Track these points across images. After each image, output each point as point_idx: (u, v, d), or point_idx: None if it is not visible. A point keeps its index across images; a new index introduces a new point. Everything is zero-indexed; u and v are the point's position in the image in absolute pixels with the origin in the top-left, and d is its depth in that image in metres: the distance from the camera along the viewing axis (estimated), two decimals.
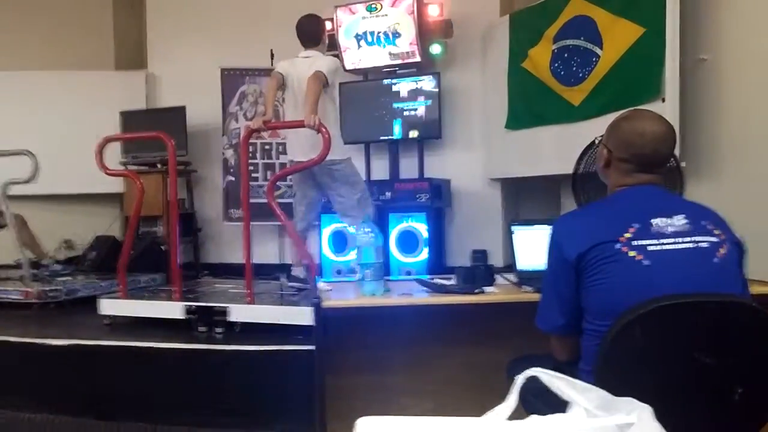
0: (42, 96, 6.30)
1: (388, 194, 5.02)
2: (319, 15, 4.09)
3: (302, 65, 3.83)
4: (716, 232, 1.60)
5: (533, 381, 1.13)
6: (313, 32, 3.98)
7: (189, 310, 3.49)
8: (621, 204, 1.69)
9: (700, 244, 1.57)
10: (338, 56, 5.11)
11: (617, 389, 1.11)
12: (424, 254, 4.97)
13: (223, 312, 3.41)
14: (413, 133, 5.31)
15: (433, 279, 2.41)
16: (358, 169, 4.14)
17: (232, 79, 5.95)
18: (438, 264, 5.08)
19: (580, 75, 4.38)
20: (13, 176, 4.51)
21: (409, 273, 4.89)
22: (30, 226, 5.11)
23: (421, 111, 5.26)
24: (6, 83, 6.34)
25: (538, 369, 1.10)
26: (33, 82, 6.34)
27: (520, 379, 1.11)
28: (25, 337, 3.48)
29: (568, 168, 3.26)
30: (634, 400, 1.06)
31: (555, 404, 1.12)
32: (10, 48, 6.47)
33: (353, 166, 4.00)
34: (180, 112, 5.86)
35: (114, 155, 5.48)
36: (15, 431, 3.06)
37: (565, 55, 4.50)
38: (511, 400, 1.11)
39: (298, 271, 4.00)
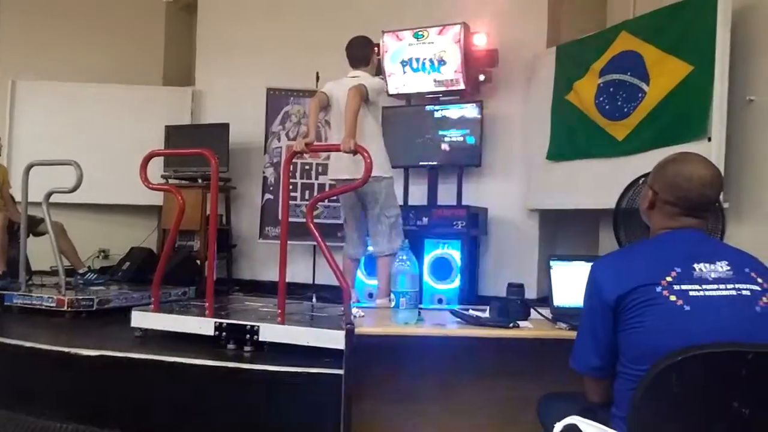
0: (91, 107, 6.49)
1: (425, 220, 5.01)
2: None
3: (348, 85, 3.83)
4: (759, 280, 1.57)
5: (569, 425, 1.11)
6: (363, 52, 4.04)
7: (219, 327, 3.51)
8: (664, 247, 1.66)
9: (742, 292, 1.54)
10: (384, 80, 5.14)
11: None
12: (457, 281, 4.93)
13: (254, 331, 3.42)
14: (453, 160, 5.31)
15: (467, 310, 2.38)
16: (396, 194, 4.14)
17: (276, 99, 6.04)
18: (470, 292, 5.05)
19: (625, 110, 4.34)
20: (56, 183, 4.54)
21: (440, 300, 4.87)
22: (68, 234, 5.19)
23: (462, 138, 5.26)
24: (57, 93, 6.56)
25: (577, 417, 1.07)
26: (83, 94, 6.54)
27: (558, 428, 1.09)
28: (55, 345, 3.49)
29: (608, 202, 3.22)
30: None
31: None
32: (63, 59, 6.69)
33: (393, 188, 4.00)
34: (223, 128, 5.97)
35: (156, 168, 5.57)
36: None
37: (611, 89, 4.47)
38: None
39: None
